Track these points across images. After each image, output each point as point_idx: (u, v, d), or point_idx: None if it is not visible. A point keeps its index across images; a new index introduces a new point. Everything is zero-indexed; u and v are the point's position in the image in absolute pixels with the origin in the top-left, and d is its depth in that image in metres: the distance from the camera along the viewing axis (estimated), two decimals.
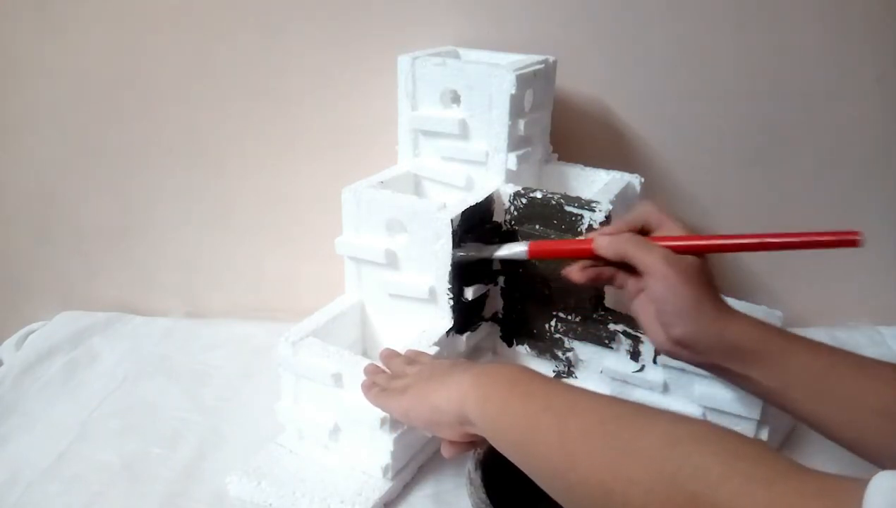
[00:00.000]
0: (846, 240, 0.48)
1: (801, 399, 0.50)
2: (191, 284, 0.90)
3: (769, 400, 0.54)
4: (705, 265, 0.53)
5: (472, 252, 0.62)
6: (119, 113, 0.81)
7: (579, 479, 0.39)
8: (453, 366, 0.52)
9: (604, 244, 0.54)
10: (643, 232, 0.55)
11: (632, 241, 0.53)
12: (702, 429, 0.37)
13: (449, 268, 0.62)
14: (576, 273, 0.56)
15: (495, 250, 0.61)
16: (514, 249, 0.60)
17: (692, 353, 0.53)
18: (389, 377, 0.55)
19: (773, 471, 0.34)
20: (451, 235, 0.60)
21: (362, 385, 0.55)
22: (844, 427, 0.49)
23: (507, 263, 0.68)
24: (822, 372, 0.49)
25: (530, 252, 0.59)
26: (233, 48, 0.78)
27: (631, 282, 0.54)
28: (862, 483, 0.30)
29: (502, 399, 0.46)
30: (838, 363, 0.50)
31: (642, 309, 0.54)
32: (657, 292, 0.52)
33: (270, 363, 0.62)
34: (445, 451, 0.51)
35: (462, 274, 0.63)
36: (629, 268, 0.54)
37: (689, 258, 0.52)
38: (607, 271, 0.56)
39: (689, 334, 0.51)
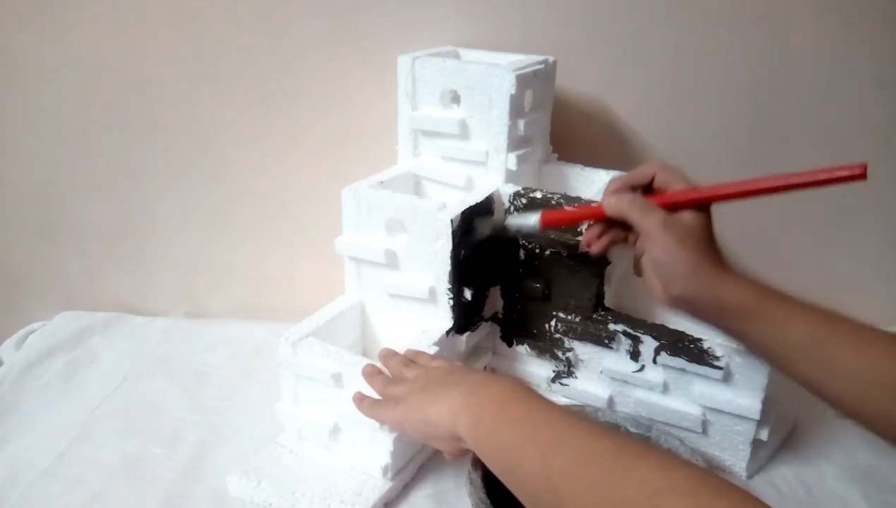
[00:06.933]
0: (853, 175, 0.49)
1: (797, 363, 0.51)
2: (191, 284, 0.90)
3: (766, 361, 0.55)
4: (705, 225, 0.53)
5: (485, 228, 0.63)
6: (119, 113, 0.81)
7: None
8: (448, 375, 0.52)
9: (610, 204, 0.56)
10: (653, 188, 0.56)
11: (633, 204, 0.55)
12: (683, 478, 0.36)
13: (449, 268, 0.62)
14: (595, 245, 0.58)
15: (508, 219, 0.63)
16: (527, 219, 0.60)
17: (691, 310, 0.54)
18: (386, 380, 0.55)
19: None
20: (450, 235, 0.60)
21: (353, 398, 0.56)
22: (839, 393, 0.49)
23: (508, 264, 0.68)
24: (819, 338, 0.50)
25: (543, 221, 0.60)
26: (233, 48, 0.78)
27: (638, 241, 0.56)
28: None
29: (491, 422, 0.46)
30: (837, 330, 0.50)
31: (646, 265, 0.55)
32: (654, 254, 0.53)
33: (270, 363, 0.62)
34: (446, 456, 0.51)
35: (467, 271, 0.63)
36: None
37: (688, 219, 0.53)
38: (619, 234, 0.58)
39: (687, 293, 0.53)
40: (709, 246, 0.53)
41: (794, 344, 0.50)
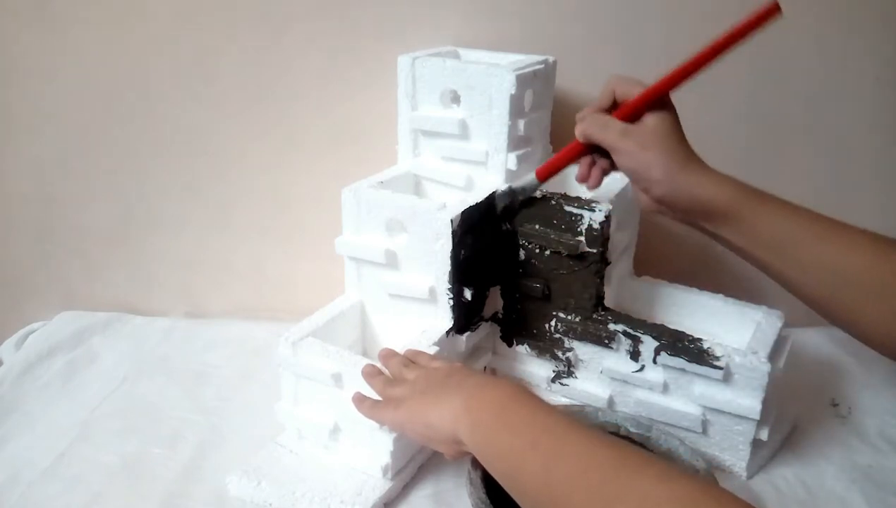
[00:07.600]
0: (769, 13, 0.50)
1: (770, 260, 0.51)
2: (191, 284, 0.90)
3: (745, 259, 0.55)
4: (668, 125, 0.54)
5: (501, 199, 0.65)
6: (119, 113, 0.81)
7: None
8: (449, 377, 0.52)
9: (579, 132, 0.57)
10: (617, 104, 0.57)
11: (593, 124, 0.56)
12: (684, 490, 0.36)
13: (449, 268, 0.62)
14: (590, 180, 0.59)
15: (512, 184, 0.64)
16: (526, 179, 0.63)
17: (674, 212, 0.55)
18: (386, 381, 0.55)
19: None
20: (451, 235, 0.60)
21: (353, 398, 0.56)
22: (811, 291, 0.50)
23: (508, 264, 0.68)
24: (794, 237, 0.50)
25: (538, 175, 0.62)
26: (233, 48, 0.78)
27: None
28: None
29: (491, 427, 0.46)
30: (812, 229, 0.50)
31: (627, 178, 0.57)
32: (624, 164, 0.55)
33: (270, 363, 0.62)
34: (447, 457, 0.51)
35: (467, 271, 0.63)
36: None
37: (649, 123, 0.54)
38: (606, 162, 0.58)
39: (665, 196, 0.54)
40: (676, 146, 0.54)
41: (765, 241, 0.51)
